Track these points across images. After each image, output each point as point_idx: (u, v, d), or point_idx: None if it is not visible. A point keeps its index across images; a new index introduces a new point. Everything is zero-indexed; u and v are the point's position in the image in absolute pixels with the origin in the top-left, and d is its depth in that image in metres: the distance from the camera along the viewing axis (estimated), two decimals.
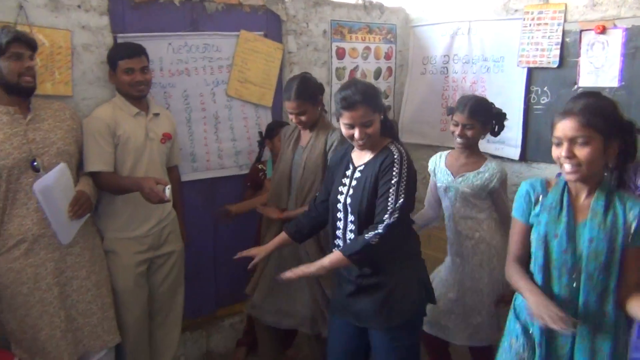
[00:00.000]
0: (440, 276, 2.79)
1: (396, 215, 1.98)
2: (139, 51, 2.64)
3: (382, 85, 3.99)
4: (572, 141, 1.65)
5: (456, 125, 2.59)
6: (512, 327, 1.90)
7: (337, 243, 2.24)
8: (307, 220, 2.41)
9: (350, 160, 2.24)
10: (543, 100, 3.45)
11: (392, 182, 2.01)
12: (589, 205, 1.71)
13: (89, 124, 2.57)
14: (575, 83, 3.29)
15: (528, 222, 1.84)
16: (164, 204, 2.68)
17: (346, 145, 2.33)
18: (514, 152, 3.58)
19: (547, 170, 3.51)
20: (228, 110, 3.29)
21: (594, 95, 1.73)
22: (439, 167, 2.72)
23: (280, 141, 3.00)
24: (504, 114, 2.68)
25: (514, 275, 1.85)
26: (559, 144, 1.69)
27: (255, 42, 3.30)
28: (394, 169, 2.03)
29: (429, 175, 2.84)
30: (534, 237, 1.80)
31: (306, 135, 2.78)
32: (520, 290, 1.81)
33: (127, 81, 2.60)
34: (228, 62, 3.23)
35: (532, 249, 1.82)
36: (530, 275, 1.83)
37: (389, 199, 2.00)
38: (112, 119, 2.59)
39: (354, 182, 2.17)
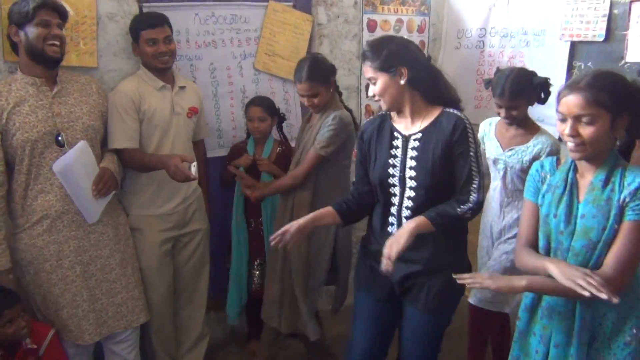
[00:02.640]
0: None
1: (482, 191, 1.91)
2: (161, 20, 2.54)
3: None
4: (576, 119, 1.54)
5: (500, 107, 2.45)
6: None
7: (391, 222, 2.04)
8: (356, 206, 2.15)
9: (395, 130, 2.05)
10: None
11: (471, 153, 1.90)
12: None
13: (114, 98, 2.49)
14: (623, 58, 3.10)
15: (538, 202, 1.76)
16: (190, 181, 2.60)
17: (378, 116, 2.16)
18: (554, 132, 3.40)
19: None
20: (255, 84, 3.18)
21: (601, 70, 1.61)
22: (488, 136, 2.58)
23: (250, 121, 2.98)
24: (547, 80, 2.48)
25: (525, 257, 1.72)
26: (563, 120, 1.58)
27: (284, 13, 3.16)
28: (469, 136, 1.90)
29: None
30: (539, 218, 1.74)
31: (316, 115, 2.70)
32: (537, 268, 1.65)
33: (151, 52, 2.50)
34: (256, 34, 3.11)
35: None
36: None
37: (473, 173, 1.89)
38: (137, 93, 2.51)
39: (412, 153, 1.98)
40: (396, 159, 2.00)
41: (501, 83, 2.42)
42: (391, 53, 1.93)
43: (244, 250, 3.00)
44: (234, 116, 3.13)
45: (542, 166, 1.79)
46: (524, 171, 2.46)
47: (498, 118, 2.59)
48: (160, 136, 2.57)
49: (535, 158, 2.41)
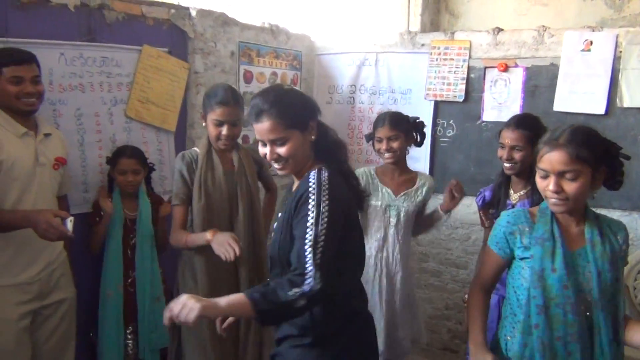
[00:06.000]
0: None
1: (325, 275, 1.47)
2: (29, 58, 2.20)
3: None
4: (560, 175, 1.57)
5: (380, 141, 2.56)
6: None
7: None
8: None
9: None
10: (449, 133, 3.55)
11: (309, 223, 1.52)
12: (581, 234, 1.66)
13: None
14: (479, 117, 3.43)
15: (505, 256, 1.75)
16: (54, 242, 2.23)
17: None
18: None
19: None
20: (127, 133, 2.90)
21: (577, 126, 1.64)
22: (373, 185, 2.60)
23: (121, 174, 2.68)
24: (422, 122, 2.69)
25: (474, 309, 1.79)
26: (545, 177, 1.61)
27: (159, 59, 2.96)
28: (309, 202, 1.54)
29: None
30: (527, 274, 1.66)
31: (227, 158, 2.48)
32: (469, 328, 1.76)
33: (14, 92, 2.14)
34: (128, 79, 2.86)
35: (526, 287, 1.66)
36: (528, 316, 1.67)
37: (306, 246, 1.49)
38: None
39: (275, 224, 1.77)
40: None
41: (382, 117, 2.59)
42: (300, 105, 1.66)
43: (119, 320, 2.64)
44: (102, 168, 2.79)
45: (516, 219, 1.73)
46: (415, 213, 2.61)
47: (372, 167, 2.68)
48: (20, 190, 2.17)
49: (426, 196, 2.62)
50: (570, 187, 1.57)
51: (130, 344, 2.69)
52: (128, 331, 2.70)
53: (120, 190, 2.74)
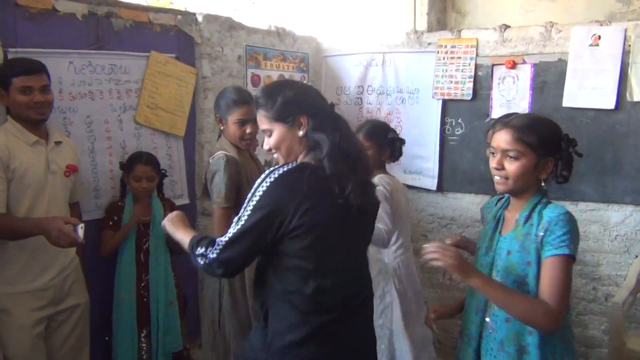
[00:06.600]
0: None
1: (228, 253, 1.57)
2: (38, 67, 2.23)
3: None
4: (503, 153, 1.63)
5: None
6: None
7: None
8: None
9: None
10: (457, 131, 3.54)
11: (245, 203, 1.61)
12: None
13: None
14: (488, 115, 3.42)
15: None
16: (67, 248, 2.26)
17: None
18: (431, 183, 3.61)
19: (462, 201, 3.58)
20: (136, 139, 2.93)
21: (535, 115, 1.74)
22: None
23: (136, 181, 2.72)
24: (401, 140, 2.65)
25: None
26: (493, 154, 1.68)
27: (166, 65, 2.99)
28: (252, 189, 1.61)
29: None
30: None
31: (249, 159, 2.52)
32: None
33: (24, 102, 2.17)
34: (137, 86, 2.89)
35: None
36: None
37: (233, 222, 1.62)
38: (5, 148, 2.15)
39: None
40: None
41: (362, 125, 2.60)
42: (287, 101, 1.66)
43: (133, 323, 2.67)
44: (113, 174, 2.82)
45: (487, 205, 1.92)
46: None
47: None
48: (32, 198, 2.21)
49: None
50: (510, 166, 1.62)
51: (144, 348, 2.71)
52: (142, 335, 2.72)
53: (132, 195, 2.77)
